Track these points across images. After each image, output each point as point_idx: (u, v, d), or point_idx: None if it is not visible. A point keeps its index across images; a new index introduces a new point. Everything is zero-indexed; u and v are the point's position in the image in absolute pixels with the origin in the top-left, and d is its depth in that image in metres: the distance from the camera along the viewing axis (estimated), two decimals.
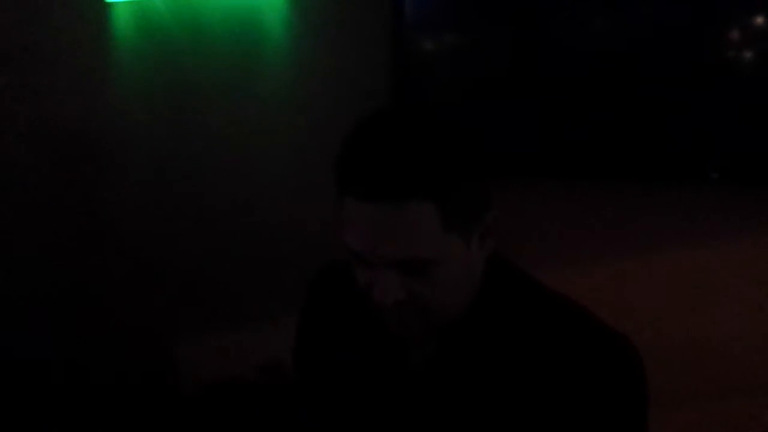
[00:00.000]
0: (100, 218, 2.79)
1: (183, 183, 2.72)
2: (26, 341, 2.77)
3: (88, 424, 2.76)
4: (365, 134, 1.06)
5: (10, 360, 2.70)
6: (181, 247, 2.74)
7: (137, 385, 2.78)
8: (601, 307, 2.35)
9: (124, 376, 2.79)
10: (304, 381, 1.34)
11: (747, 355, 2.40)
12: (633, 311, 2.44)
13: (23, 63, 2.77)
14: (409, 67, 2.35)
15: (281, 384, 2.46)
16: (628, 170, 2.32)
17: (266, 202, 2.67)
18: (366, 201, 1.02)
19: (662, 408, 2.35)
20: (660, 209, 2.42)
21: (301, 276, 1.38)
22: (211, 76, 2.64)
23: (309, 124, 2.57)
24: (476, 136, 1.09)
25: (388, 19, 2.37)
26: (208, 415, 2.51)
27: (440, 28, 2.38)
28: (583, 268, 2.45)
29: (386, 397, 1.19)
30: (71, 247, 2.80)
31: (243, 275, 2.71)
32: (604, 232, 2.45)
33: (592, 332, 1.11)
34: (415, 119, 1.08)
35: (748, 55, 2.19)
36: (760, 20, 2.17)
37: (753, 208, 2.34)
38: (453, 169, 1.04)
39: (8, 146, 2.79)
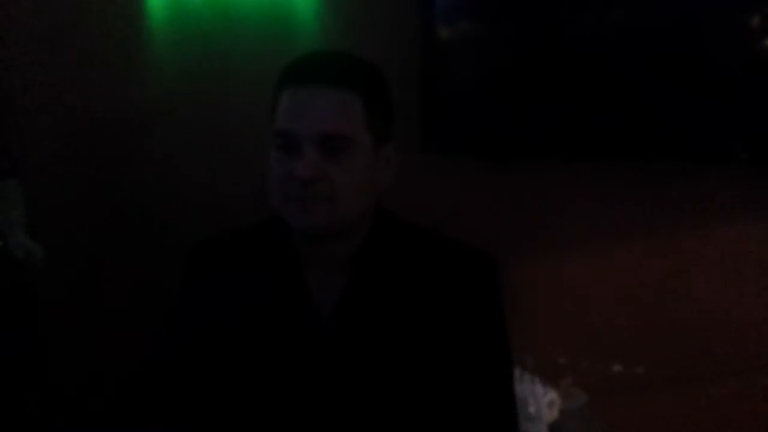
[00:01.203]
0: (133, 204, 2.89)
1: (217, 166, 2.79)
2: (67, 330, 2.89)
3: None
4: (308, 53, 1.32)
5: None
6: (219, 229, 2.81)
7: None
8: (637, 286, 2.45)
9: None
10: (192, 348, 1.34)
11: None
12: (667, 289, 2.48)
13: (58, 53, 2.86)
14: (437, 56, 2.40)
15: None
16: (658, 151, 2.35)
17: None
18: (306, 85, 1.22)
19: (703, 380, 2.44)
20: (689, 189, 2.44)
21: None
22: (243, 63, 2.69)
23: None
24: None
25: (417, 8, 2.41)
26: None
27: (468, 18, 2.41)
28: (618, 247, 2.49)
29: (299, 345, 1.27)
30: (110, 233, 2.91)
31: None
32: (636, 211, 2.48)
33: (462, 252, 1.33)
34: (356, 54, 1.33)
35: None
36: None
37: None
38: (379, 85, 1.30)
39: (43, 136, 2.90)
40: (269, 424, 1.28)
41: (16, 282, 2.51)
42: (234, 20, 2.69)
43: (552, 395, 2.21)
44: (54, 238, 2.75)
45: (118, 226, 2.91)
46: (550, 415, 2.20)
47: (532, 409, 2.16)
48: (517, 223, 2.55)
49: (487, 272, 1.32)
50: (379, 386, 1.26)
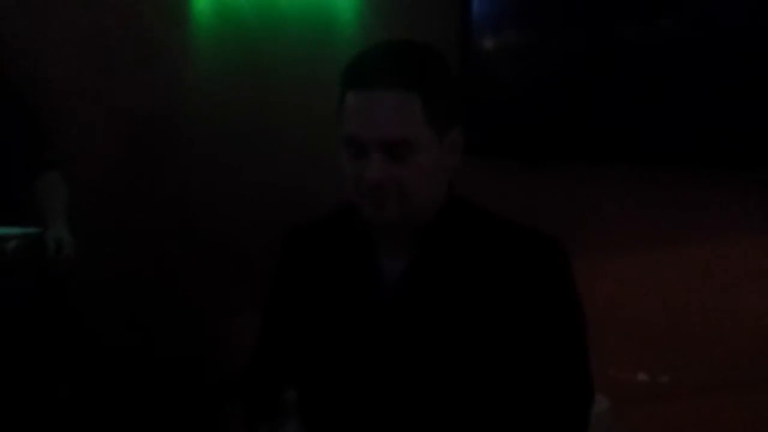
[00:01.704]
0: (179, 200, 2.97)
1: (257, 165, 2.87)
2: (107, 320, 2.95)
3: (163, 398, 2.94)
4: (368, 47, 1.36)
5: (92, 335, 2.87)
6: (258, 227, 2.88)
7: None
8: (665, 293, 2.46)
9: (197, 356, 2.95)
10: (281, 326, 1.47)
11: None
12: (696, 297, 2.49)
13: (104, 53, 2.96)
14: (475, 63, 2.47)
15: None
16: (694, 156, 2.38)
17: (337, 179, 2.79)
18: (365, 89, 1.27)
19: (729, 389, 2.43)
20: (725, 196, 2.46)
21: None
22: (286, 62, 2.78)
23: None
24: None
25: (456, 14, 2.48)
26: None
27: (506, 26, 2.49)
28: (652, 254, 2.51)
29: (370, 316, 1.36)
30: (152, 229, 2.98)
31: None
32: (667, 216, 2.50)
33: (531, 236, 1.37)
34: (414, 42, 1.36)
35: None
36: None
37: None
38: (438, 77, 1.33)
39: (93, 132, 2.98)
40: (339, 384, 1.36)
41: (47, 271, 2.53)
42: (277, 23, 2.78)
43: None
44: (94, 233, 2.83)
45: (159, 223, 2.98)
46: None
47: None
48: (546, 226, 2.57)
49: (554, 257, 1.36)
50: (435, 355, 1.31)
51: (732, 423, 2.42)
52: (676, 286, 2.51)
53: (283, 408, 1.25)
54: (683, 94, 2.33)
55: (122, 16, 2.92)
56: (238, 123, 2.86)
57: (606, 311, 2.53)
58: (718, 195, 2.44)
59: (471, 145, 2.49)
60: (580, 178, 2.54)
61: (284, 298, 1.48)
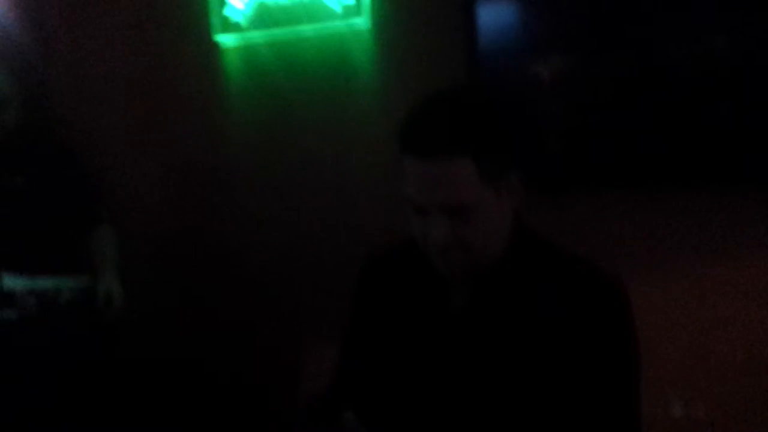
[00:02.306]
0: (218, 239, 3.10)
1: (290, 202, 2.98)
2: (150, 348, 3.09)
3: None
4: (420, 105, 1.37)
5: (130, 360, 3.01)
6: (291, 260, 2.99)
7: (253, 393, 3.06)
8: (679, 317, 2.41)
9: (241, 384, 3.07)
10: (356, 346, 1.56)
11: None
12: (708, 317, 2.44)
13: (150, 112, 3.12)
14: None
15: None
16: (702, 180, 2.36)
17: (361, 219, 2.88)
18: (419, 156, 1.31)
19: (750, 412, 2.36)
20: (736, 216, 2.41)
21: None
22: (309, 110, 2.88)
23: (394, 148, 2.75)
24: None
25: (463, 50, 2.52)
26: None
27: (511, 57, 2.50)
28: (660, 276, 2.48)
29: (433, 341, 1.43)
30: (193, 263, 3.11)
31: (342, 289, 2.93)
32: (682, 239, 2.47)
33: (592, 275, 1.37)
34: (463, 94, 1.39)
35: None
36: None
37: None
38: (488, 134, 1.33)
39: (139, 185, 3.15)
40: (403, 402, 1.45)
41: (99, 321, 2.64)
42: (301, 75, 2.88)
43: None
44: (146, 281, 2.99)
45: (207, 269, 3.12)
46: None
47: None
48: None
49: (614, 297, 1.37)
50: (491, 383, 1.37)
51: None
52: (704, 314, 2.47)
53: (344, 427, 1.33)
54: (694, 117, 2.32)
55: (159, 72, 3.06)
56: (271, 169, 2.98)
57: None
58: (731, 216, 2.41)
59: None
60: (594, 205, 2.54)
61: (362, 319, 1.57)
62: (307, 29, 2.83)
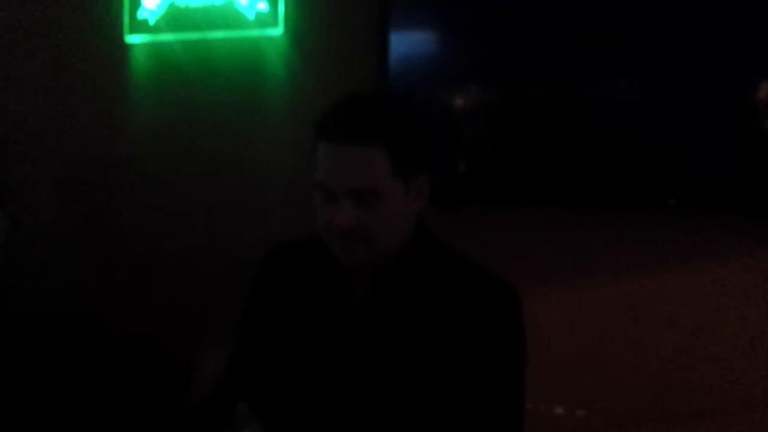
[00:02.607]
0: (119, 237, 3.08)
1: (194, 202, 3.01)
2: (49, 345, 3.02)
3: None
4: (341, 100, 1.43)
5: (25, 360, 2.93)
6: (191, 260, 3.00)
7: (148, 392, 3.02)
8: (572, 325, 2.59)
9: (136, 383, 3.03)
10: (251, 337, 1.58)
11: (699, 371, 2.57)
12: (597, 330, 2.62)
13: (49, 100, 3.08)
14: None
15: None
16: (593, 198, 2.58)
17: (265, 221, 2.93)
18: (336, 143, 1.36)
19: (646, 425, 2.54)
20: (624, 234, 2.61)
21: None
22: (219, 109, 2.93)
23: (306, 145, 2.83)
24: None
25: (374, 72, 2.65)
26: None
27: (421, 84, 2.66)
28: (551, 291, 2.64)
29: (329, 332, 1.47)
30: (91, 260, 3.08)
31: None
32: (573, 256, 2.64)
33: (486, 279, 1.45)
34: (384, 94, 1.52)
35: (705, 90, 2.45)
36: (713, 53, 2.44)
37: (710, 233, 2.54)
38: (404, 131, 1.41)
39: (41, 171, 3.10)
40: (303, 390, 1.46)
41: None
42: (210, 71, 2.94)
43: None
44: (45, 272, 2.92)
45: (106, 263, 3.09)
46: None
47: None
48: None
49: (507, 301, 1.43)
50: (387, 374, 1.41)
51: None
52: (592, 322, 2.64)
53: (238, 418, 1.35)
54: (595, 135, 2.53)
55: (68, 65, 3.04)
56: (175, 166, 3.00)
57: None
58: (636, 235, 2.59)
59: None
60: (497, 221, 2.68)
61: (260, 309, 1.57)
62: (219, 35, 2.89)
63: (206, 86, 2.93)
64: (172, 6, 2.92)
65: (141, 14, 2.95)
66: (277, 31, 2.85)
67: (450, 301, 1.41)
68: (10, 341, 2.91)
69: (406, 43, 2.65)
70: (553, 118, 2.61)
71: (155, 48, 2.95)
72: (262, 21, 2.86)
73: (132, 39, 2.96)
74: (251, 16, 2.87)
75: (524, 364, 1.45)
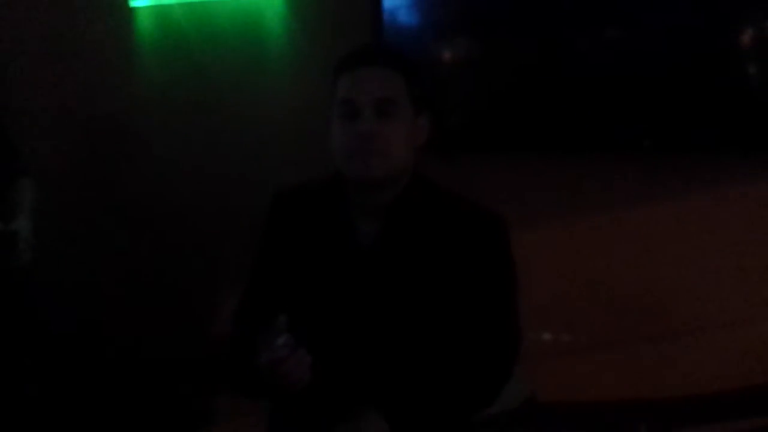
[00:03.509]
0: (125, 197, 3.26)
1: (198, 162, 3.18)
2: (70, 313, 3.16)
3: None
4: (355, 47, 1.67)
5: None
6: (202, 218, 3.19)
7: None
8: (560, 259, 2.81)
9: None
10: (266, 280, 1.70)
11: (672, 296, 2.82)
12: (584, 264, 2.86)
13: (54, 62, 3.23)
14: None
15: None
16: (579, 143, 2.80)
17: (271, 174, 3.06)
18: (360, 66, 1.59)
19: (623, 346, 2.77)
20: (605, 175, 2.83)
21: None
22: (221, 71, 3.11)
23: (306, 106, 3.00)
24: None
25: (369, 27, 2.86)
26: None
27: (415, 37, 2.87)
28: (540, 229, 2.86)
29: (344, 271, 1.63)
30: (100, 227, 3.26)
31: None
32: (558, 197, 2.87)
33: (479, 211, 1.66)
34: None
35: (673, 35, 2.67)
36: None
37: (680, 172, 2.76)
38: (415, 69, 1.65)
39: (51, 138, 3.26)
40: (322, 328, 1.62)
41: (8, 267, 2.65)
42: (213, 33, 3.10)
43: None
44: (54, 230, 3.08)
45: (115, 218, 3.27)
46: None
47: None
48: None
49: (497, 229, 1.64)
50: (401, 304, 1.60)
51: (620, 375, 2.79)
52: (577, 255, 2.87)
53: (277, 327, 1.48)
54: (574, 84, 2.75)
55: (73, 28, 3.18)
56: (183, 124, 3.18)
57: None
58: (620, 173, 2.81)
59: None
60: (489, 168, 2.89)
61: (271, 254, 1.70)
62: None
63: (208, 47, 3.10)
64: None
65: None
66: None
67: (450, 233, 1.61)
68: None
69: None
70: (538, 67, 2.81)
71: (159, 11, 3.10)
72: None
73: (136, 2, 3.10)
74: None
75: (516, 281, 1.67)
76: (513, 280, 1.66)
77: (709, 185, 2.74)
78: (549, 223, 2.85)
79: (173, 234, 3.20)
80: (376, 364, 1.60)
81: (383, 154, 1.57)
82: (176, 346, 3.15)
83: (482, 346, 1.60)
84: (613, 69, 2.74)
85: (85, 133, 3.24)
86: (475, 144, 2.91)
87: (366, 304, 1.62)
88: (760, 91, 2.67)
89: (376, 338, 1.60)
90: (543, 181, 2.86)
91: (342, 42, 2.89)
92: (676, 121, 2.71)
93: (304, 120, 3.01)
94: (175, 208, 3.20)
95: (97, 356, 3.20)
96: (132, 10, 3.12)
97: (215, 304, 2.98)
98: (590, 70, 2.78)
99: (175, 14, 3.10)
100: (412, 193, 1.64)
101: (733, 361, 2.69)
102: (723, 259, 2.73)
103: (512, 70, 2.82)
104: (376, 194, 1.62)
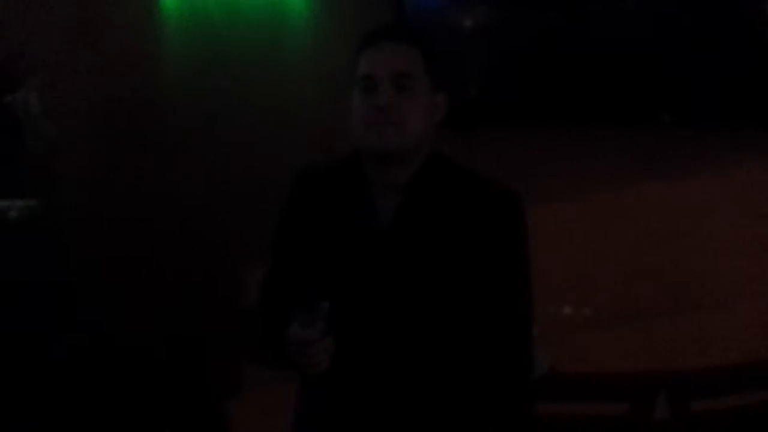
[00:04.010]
0: (151, 175, 3.33)
1: (228, 134, 3.25)
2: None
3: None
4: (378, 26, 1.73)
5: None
6: (227, 193, 3.26)
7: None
8: (575, 233, 2.85)
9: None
10: (287, 257, 1.73)
11: (691, 270, 2.86)
12: (595, 235, 2.90)
13: (83, 46, 3.30)
14: None
15: None
16: (596, 115, 2.83)
17: (295, 148, 3.17)
18: (380, 42, 1.62)
19: (640, 321, 2.80)
20: (623, 148, 2.87)
21: None
22: (244, 48, 3.17)
23: (328, 83, 3.07)
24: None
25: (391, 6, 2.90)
26: None
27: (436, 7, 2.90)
28: (557, 203, 2.90)
29: (366, 247, 1.65)
30: (128, 200, 3.34)
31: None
32: (576, 169, 2.91)
33: (495, 187, 1.67)
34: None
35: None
36: None
37: (698, 146, 2.79)
38: (435, 48, 1.67)
39: (80, 117, 3.32)
40: (341, 303, 1.62)
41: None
42: (238, 16, 3.17)
43: None
44: (87, 204, 3.20)
45: (141, 195, 3.34)
46: None
47: None
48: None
49: (514, 205, 1.64)
50: (419, 280, 1.62)
51: (638, 348, 2.84)
52: (594, 229, 2.91)
53: (318, 312, 1.52)
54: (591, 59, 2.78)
55: (100, 10, 3.25)
56: (208, 104, 3.24)
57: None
58: (639, 146, 2.85)
59: None
60: (505, 141, 2.94)
61: (293, 231, 1.71)
62: None
63: (232, 25, 3.16)
64: None
65: None
66: None
67: (467, 209, 1.63)
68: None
69: None
70: (557, 39, 2.85)
71: None
72: None
73: None
74: None
75: (528, 255, 1.68)
76: (527, 257, 1.69)
77: (724, 159, 2.77)
78: (566, 196, 2.90)
79: (199, 210, 3.27)
80: (396, 340, 1.63)
81: (399, 126, 1.60)
82: (202, 320, 3.24)
83: (499, 326, 1.63)
84: (633, 42, 2.78)
85: (112, 115, 3.31)
86: (493, 115, 2.96)
87: (384, 279, 1.65)
88: None
89: (395, 314, 1.64)
90: (559, 153, 2.89)
91: (364, 17, 3.01)
92: (695, 96, 2.74)
93: (327, 96, 3.07)
94: (201, 183, 3.27)
95: (123, 330, 3.28)
96: None
97: (241, 278, 3.06)
98: (610, 43, 2.81)
99: None
100: (430, 170, 1.67)
101: (750, 334, 2.73)
102: (740, 232, 2.77)
103: (530, 42, 2.87)
104: (394, 170, 1.65)
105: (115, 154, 3.34)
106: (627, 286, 2.88)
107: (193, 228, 3.31)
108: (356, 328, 1.64)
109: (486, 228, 1.63)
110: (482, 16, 2.89)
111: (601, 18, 2.81)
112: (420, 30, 1.77)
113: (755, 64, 2.72)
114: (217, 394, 2.92)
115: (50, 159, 3.05)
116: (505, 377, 1.66)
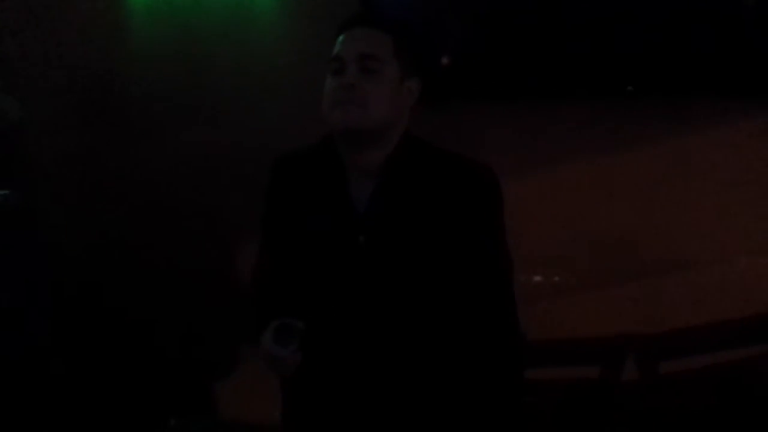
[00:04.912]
0: (120, 155, 3.33)
1: (195, 118, 3.27)
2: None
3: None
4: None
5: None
6: (205, 169, 3.27)
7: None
8: (546, 206, 2.91)
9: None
10: (274, 240, 1.78)
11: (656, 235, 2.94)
12: (566, 207, 2.98)
13: (47, 21, 3.28)
14: None
15: None
16: (565, 89, 2.90)
17: (263, 131, 3.18)
18: (353, 27, 1.67)
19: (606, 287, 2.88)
20: (591, 121, 2.93)
21: None
22: (212, 38, 3.19)
23: (295, 59, 3.11)
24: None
25: None
26: None
27: None
28: (526, 176, 2.97)
29: (338, 231, 1.69)
30: (98, 174, 3.34)
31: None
32: (543, 144, 2.97)
33: (470, 166, 1.72)
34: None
35: None
36: None
37: (662, 116, 2.86)
38: (408, 34, 1.71)
39: (40, 98, 3.29)
40: (318, 288, 1.70)
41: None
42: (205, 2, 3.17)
43: None
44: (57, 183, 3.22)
45: (109, 169, 3.36)
46: None
47: None
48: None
49: (488, 182, 1.67)
50: (399, 264, 1.66)
51: (608, 312, 2.93)
52: (564, 201, 2.98)
53: (293, 333, 1.58)
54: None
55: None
56: (172, 88, 3.25)
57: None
58: (604, 118, 2.90)
59: None
60: (478, 116, 2.99)
61: (274, 218, 1.75)
62: None
63: (201, 13, 3.17)
64: None
65: None
66: None
67: (442, 189, 1.66)
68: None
69: None
70: (526, 13, 2.89)
71: None
72: None
73: None
74: None
75: (504, 230, 1.73)
76: (503, 226, 1.73)
77: (689, 128, 2.84)
78: (536, 169, 2.96)
79: (177, 192, 3.27)
80: (379, 325, 1.67)
81: (362, 105, 1.63)
82: (199, 301, 3.28)
83: (483, 304, 1.66)
84: (600, 19, 2.82)
85: (78, 91, 3.29)
86: (464, 90, 2.99)
87: (362, 264, 1.68)
88: (742, 33, 2.75)
89: (376, 299, 1.67)
90: (529, 128, 2.95)
91: (332, 3, 3.00)
92: (657, 67, 2.80)
93: (294, 73, 3.10)
94: (180, 159, 3.27)
95: (121, 312, 3.29)
96: None
97: (233, 258, 3.11)
98: (578, 17, 2.85)
99: None
100: (404, 153, 1.70)
101: (716, 297, 2.82)
102: (705, 199, 2.85)
103: (500, 17, 2.89)
104: (366, 153, 1.68)
105: (80, 131, 3.33)
106: (596, 252, 2.96)
107: (176, 211, 3.31)
108: (337, 315, 1.68)
109: (462, 206, 1.67)
110: None
111: None
112: (395, 16, 1.77)
113: (719, 33, 2.78)
114: (211, 374, 2.96)
115: (20, 148, 3.04)
116: (496, 357, 1.66)
